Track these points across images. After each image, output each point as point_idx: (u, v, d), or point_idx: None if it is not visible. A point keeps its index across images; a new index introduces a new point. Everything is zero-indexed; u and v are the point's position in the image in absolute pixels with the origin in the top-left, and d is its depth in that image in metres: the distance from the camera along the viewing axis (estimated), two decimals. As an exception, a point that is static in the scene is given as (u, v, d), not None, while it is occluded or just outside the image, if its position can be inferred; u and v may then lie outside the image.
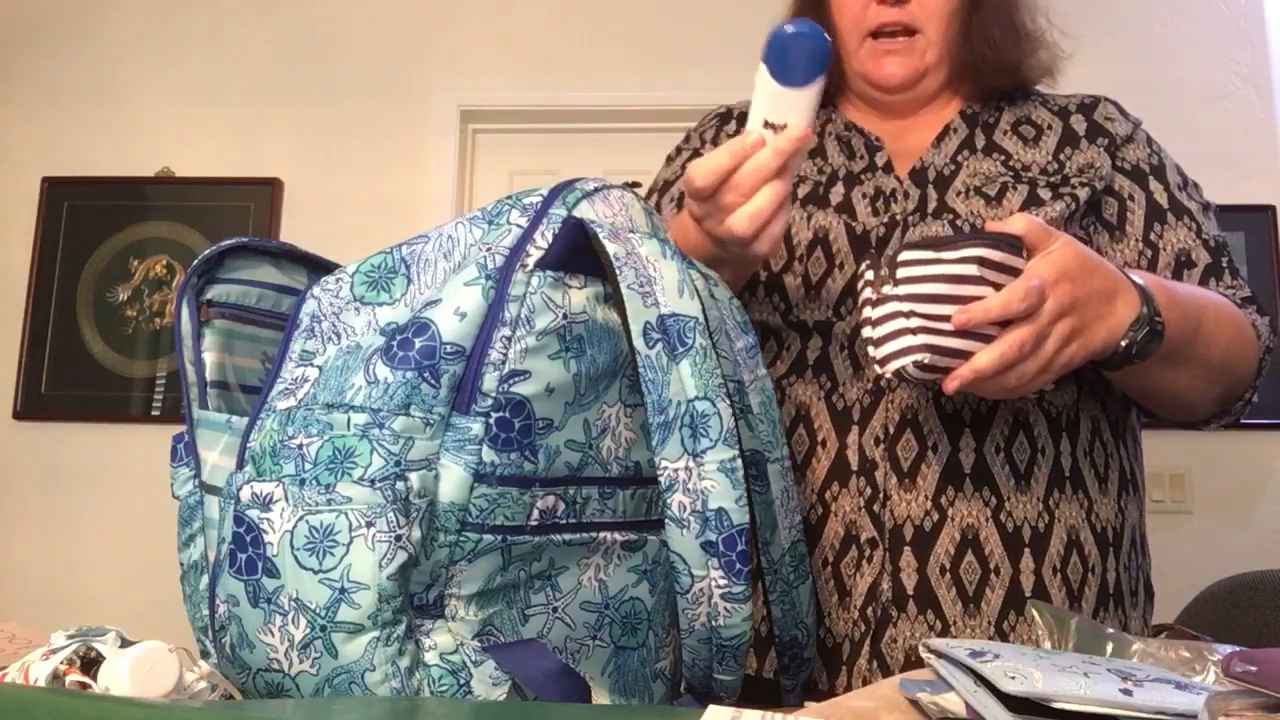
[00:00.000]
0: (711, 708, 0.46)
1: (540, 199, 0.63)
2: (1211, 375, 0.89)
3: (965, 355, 0.72)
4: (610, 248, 0.61)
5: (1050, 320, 0.72)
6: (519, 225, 0.62)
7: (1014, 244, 0.73)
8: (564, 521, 0.61)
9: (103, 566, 2.60)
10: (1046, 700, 0.47)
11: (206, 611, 0.62)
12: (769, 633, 0.73)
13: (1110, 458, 0.93)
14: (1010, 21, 0.99)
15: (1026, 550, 0.86)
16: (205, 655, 0.64)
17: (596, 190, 0.66)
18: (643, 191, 1.10)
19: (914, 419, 0.87)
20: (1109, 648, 0.63)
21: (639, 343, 0.60)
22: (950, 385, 0.72)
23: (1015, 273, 0.72)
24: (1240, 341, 0.90)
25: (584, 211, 0.64)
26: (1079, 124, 0.99)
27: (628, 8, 2.76)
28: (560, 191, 0.64)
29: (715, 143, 1.06)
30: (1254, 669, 0.42)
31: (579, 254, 0.61)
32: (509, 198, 0.65)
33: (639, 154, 2.74)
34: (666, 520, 0.61)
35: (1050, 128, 0.99)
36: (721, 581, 0.60)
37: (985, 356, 0.71)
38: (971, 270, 0.71)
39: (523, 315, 0.59)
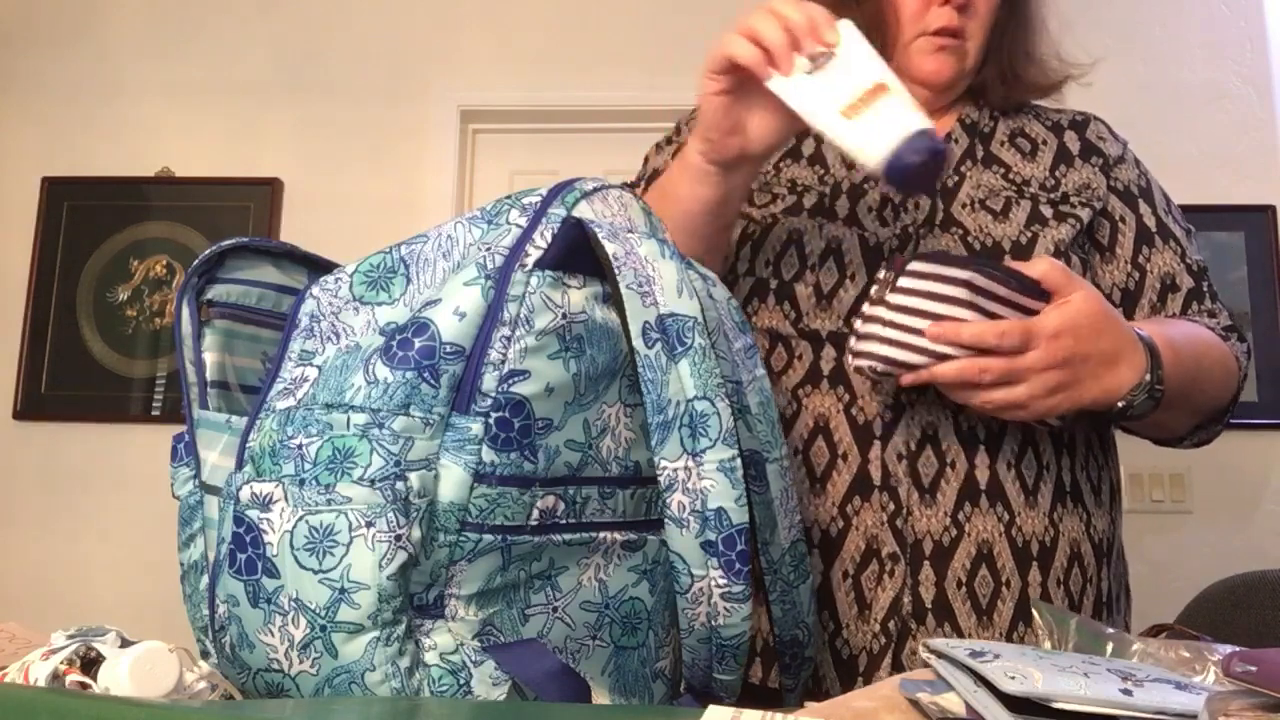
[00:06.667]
0: (711, 707, 0.46)
1: (539, 199, 0.63)
2: (1197, 415, 0.93)
3: (894, 362, 0.78)
4: (609, 247, 0.61)
5: (1036, 368, 0.76)
6: (518, 225, 0.62)
7: (1025, 282, 0.77)
8: (564, 521, 0.61)
9: (103, 566, 2.60)
10: (1046, 700, 0.47)
11: (206, 611, 0.62)
12: (775, 641, 0.73)
13: (1102, 470, 0.96)
14: (1031, 47, 1.02)
15: (1034, 563, 0.88)
16: (205, 655, 0.64)
17: (595, 190, 0.66)
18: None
19: (934, 435, 0.88)
20: (1109, 648, 0.63)
21: (638, 342, 0.60)
22: (906, 379, 0.78)
23: (1020, 309, 0.76)
24: (1226, 378, 0.94)
25: (583, 211, 0.64)
26: (1072, 142, 1.01)
27: (628, 8, 2.76)
28: (559, 191, 0.64)
29: None
30: (1254, 669, 0.42)
31: (578, 254, 0.61)
32: (508, 197, 0.65)
33: (639, 154, 2.73)
34: (666, 520, 0.61)
35: (1045, 142, 1.01)
36: (721, 581, 0.60)
37: (947, 366, 0.76)
38: (959, 293, 0.75)
39: (522, 315, 0.59)
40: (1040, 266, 0.77)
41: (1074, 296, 0.77)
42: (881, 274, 0.79)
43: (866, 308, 0.79)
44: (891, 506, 0.87)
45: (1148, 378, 0.79)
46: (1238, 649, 0.47)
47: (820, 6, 0.79)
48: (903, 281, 0.77)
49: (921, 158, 0.73)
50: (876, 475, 0.88)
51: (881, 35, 0.98)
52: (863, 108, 0.75)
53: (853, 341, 0.80)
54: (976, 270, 0.75)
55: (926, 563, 0.87)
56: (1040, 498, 0.89)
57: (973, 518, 0.87)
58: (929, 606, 0.86)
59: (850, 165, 0.99)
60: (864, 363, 0.79)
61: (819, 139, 1.02)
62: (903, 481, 0.87)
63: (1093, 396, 0.78)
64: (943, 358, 0.76)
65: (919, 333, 0.76)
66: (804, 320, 0.93)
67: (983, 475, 0.88)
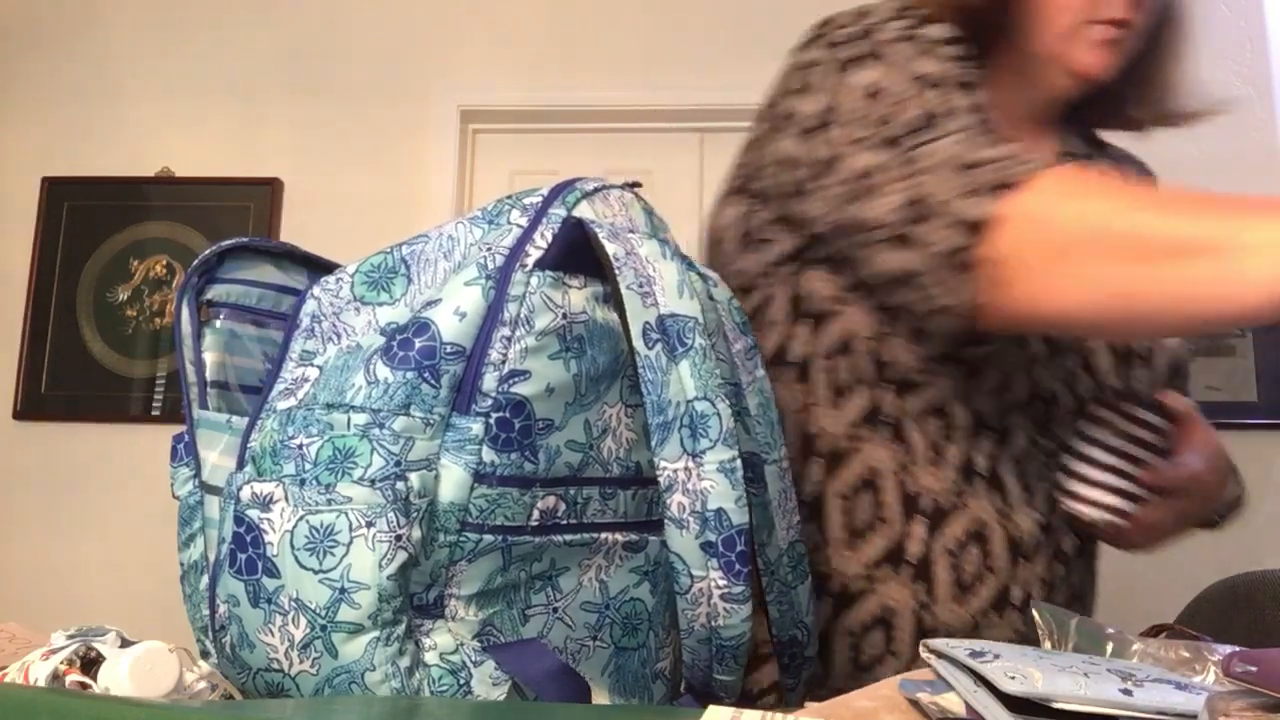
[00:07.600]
0: (711, 707, 0.46)
1: (540, 199, 0.63)
2: None
3: (1124, 513, 0.84)
4: (610, 247, 0.61)
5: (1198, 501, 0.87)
6: (519, 225, 0.62)
7: (1170, 414, 0.85)
8: (565, 522, 0.61)
9: (103, 566, 2.60)
10: (1046, 700, 0.47)
11: (206, 611, 0.62)
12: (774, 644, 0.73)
13: None
14: (1183, 65, 0.94)
15: None
16: (205, 655, 0.64)
17: (596, 190, 0.66)
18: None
19: (1062, 552, 0.88)
20: (1109, 648, 0.63)
21: (638, 343, 0.60)
22: (1133, 528, 0.84)
23: (1164, 436, 0.85)
24: None
25: (584, 211, 0.64)
26: None
27: (628, 8, 2.76)
28: (560, 191, 0.64)
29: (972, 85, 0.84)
30: (1254, 669, 0.42)
31: (579, 254, 0.61)
32: (509, 197, 0.65)
33: (639, 154, 2.74)
34: (666, 521, 0.61)
35: None
36: (721, 582, 0.60)
37: (1156, 509, 0.84)
38: (1148, 435, 0.84)
39: (522, 315, 0.59)
40: (1180, 403, 0.87)
41: (1197, 436, 0.86)
42: (1099, 410, 0.84)
43: (1086, 449, 0.84)
44: (1022, 625, 0.85)
45: (1239, 492, 0.93)
46: (1238, 649, 0.47)
47: None
48: (1119, 424, 0.83)
49: None
50: (1018, 597, 0.85)
51: (1019, 12, 0.86)
52: None
53: (1076, 484, 0.84)
54: (1155, 415, 0.84)
55: None
56: (1087, 590, 0.94)
57: None
58: None
59: None
60: (1093, 512, 0.83)
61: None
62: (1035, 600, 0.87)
63: (1203, 515, 0.89)
64: (1135, 498, 0.83)
65: (1131, 477, 0.83)
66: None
67: (1075, 582, 0.90)
